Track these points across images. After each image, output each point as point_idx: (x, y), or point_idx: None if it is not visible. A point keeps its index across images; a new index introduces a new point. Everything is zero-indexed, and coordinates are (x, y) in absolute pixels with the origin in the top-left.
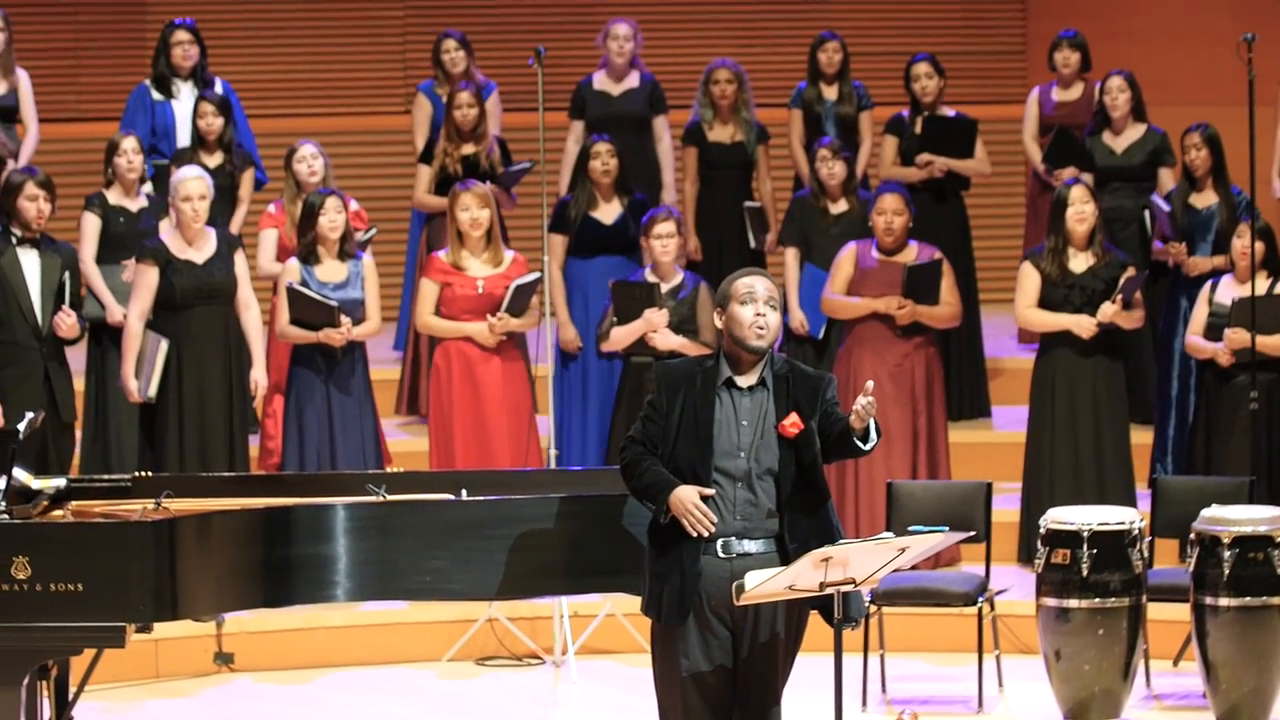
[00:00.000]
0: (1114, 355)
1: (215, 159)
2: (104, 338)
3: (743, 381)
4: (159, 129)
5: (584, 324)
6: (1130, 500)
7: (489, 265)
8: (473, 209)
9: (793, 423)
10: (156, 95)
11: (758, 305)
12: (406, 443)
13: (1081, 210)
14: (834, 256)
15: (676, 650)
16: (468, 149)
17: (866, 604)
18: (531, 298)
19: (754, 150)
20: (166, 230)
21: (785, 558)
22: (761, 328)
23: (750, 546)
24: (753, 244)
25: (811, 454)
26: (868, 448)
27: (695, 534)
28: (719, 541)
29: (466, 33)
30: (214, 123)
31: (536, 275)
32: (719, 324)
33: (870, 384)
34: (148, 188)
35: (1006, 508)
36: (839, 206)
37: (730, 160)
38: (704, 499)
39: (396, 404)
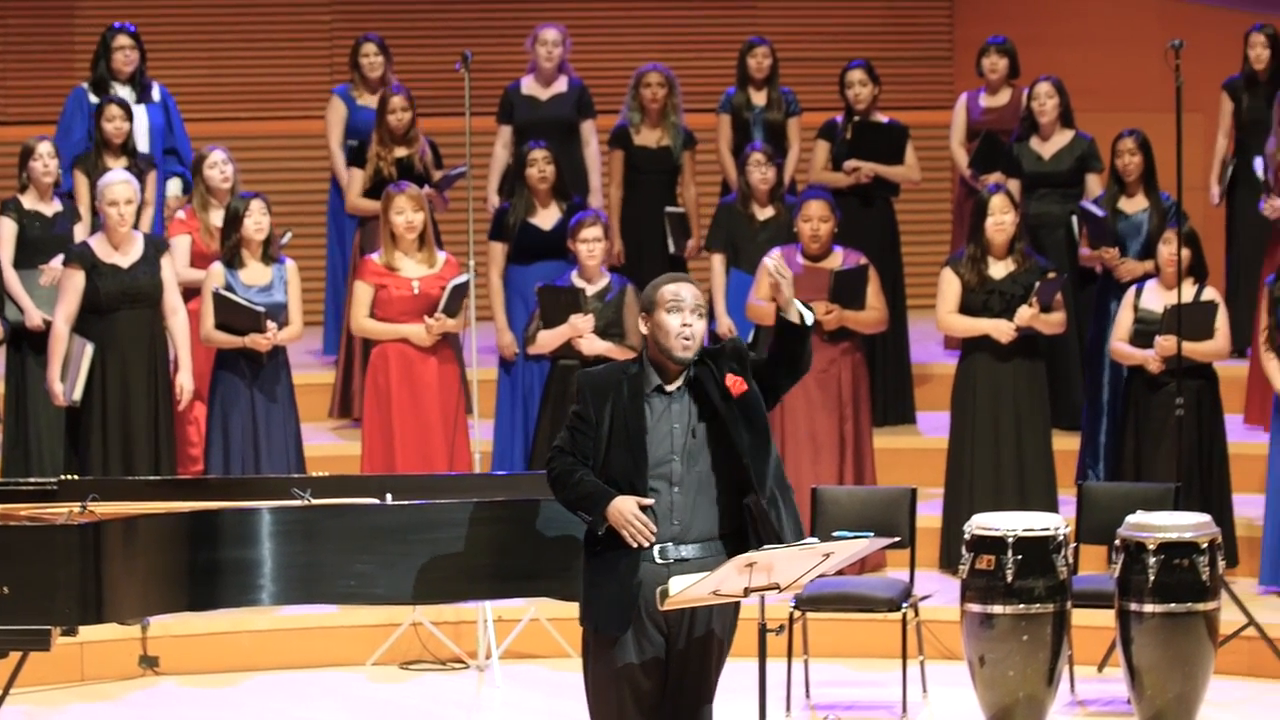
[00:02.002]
0: (1034, 359)
1: (120, 163)
2: (23, 342)
3: (670, 387)
4: (94, 132)
5: (522, 329)
6: (1052, 505)
7: (423, 266)
8: (407, 211)
9: (736, 381)
10: (94, 99)
11: (684, 314)
12: (339, 447)
13: (1000, 220)
14: (760, 262)
15: (612, 657)
16: (400, 152)
17: (791, 608)
18: (465, 298)
19: (680, 155)
20: (82, 231)
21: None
22: (688, 338)
23: (687, 551)
24: (672, 249)
25: (758, 414)
26: (810, 323)
27: (635, 545)
28: (656, 548)
29: (394, 37)
30: (121, 126)
31: (468, 277)
32: (644, 330)
33: (767, 260)
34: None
35: (931, 513)
36: (765, 212)
37: (656, 165)
38: (642, 508)
39: (330, 408)
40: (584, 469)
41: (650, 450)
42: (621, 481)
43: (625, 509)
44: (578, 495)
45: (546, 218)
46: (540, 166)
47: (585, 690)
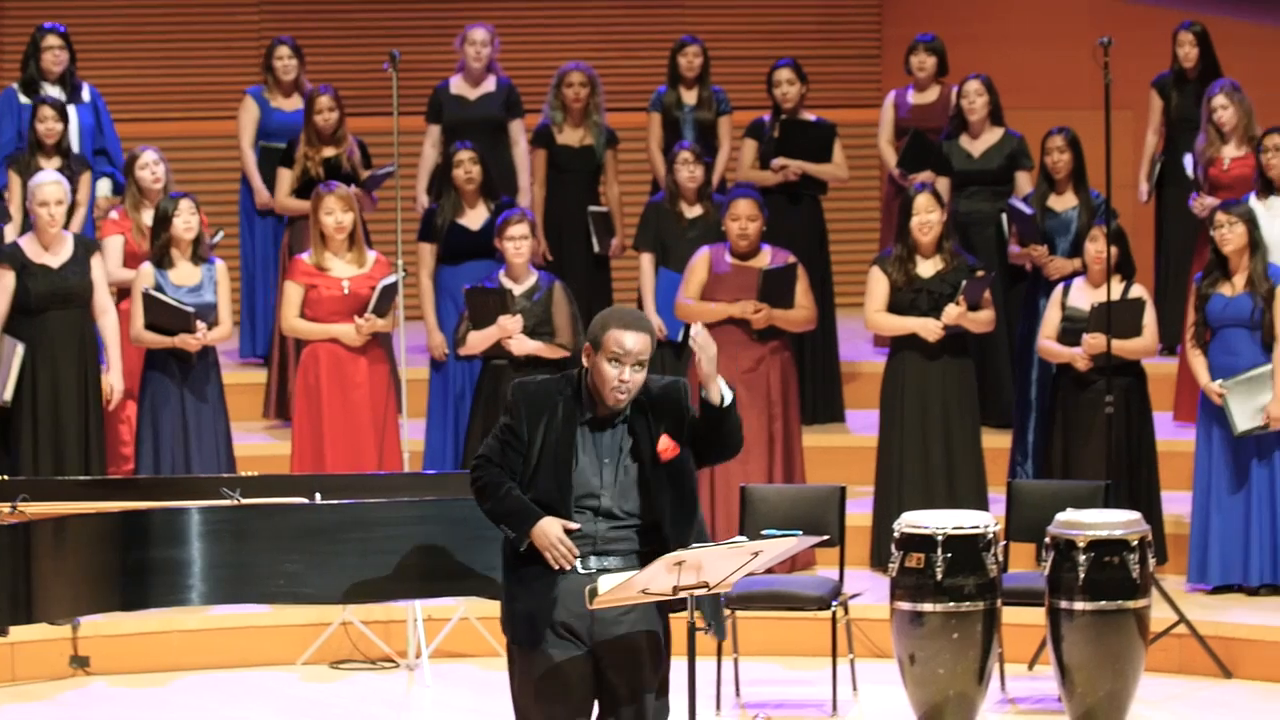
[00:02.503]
0: (963, 358)
1: (54, 163)
2: None
3: (603, 419)
4: (26, 133)
5: (452, 330)
6: (982, 503)
7: (353, 266)
8: (336, 212)
9: (666, 447)
10: (24, 99)
11: (624, 369)
12: (270, 446)
13: (925, 219)
14: (689, 261)
15: (532, 666)
16: (328, 152)
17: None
18: (394, 298)
19: (602, 154)
20: (13, 232)
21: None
22: (622, 393)
23: (611, 563)
24: (596, 248)
25: (686, 476)
26: (726, 406)
27: (556, 567)
28: (578, 559)
29: (321, 37)
30: (54, 127)
31: (397, 276)
32: (585, 361)
33: (694, 328)
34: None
35: (861, 511)
36: (694, 211)
37: (579, 164)
38: (568, 532)
39: (264, 408)
40: (511, 483)
41: (576, 481)
42: (546, 505)
43: (550, 532)
44: (504, 510)
45: (474, 218)
46: (466, 167)
47: (511, 696)
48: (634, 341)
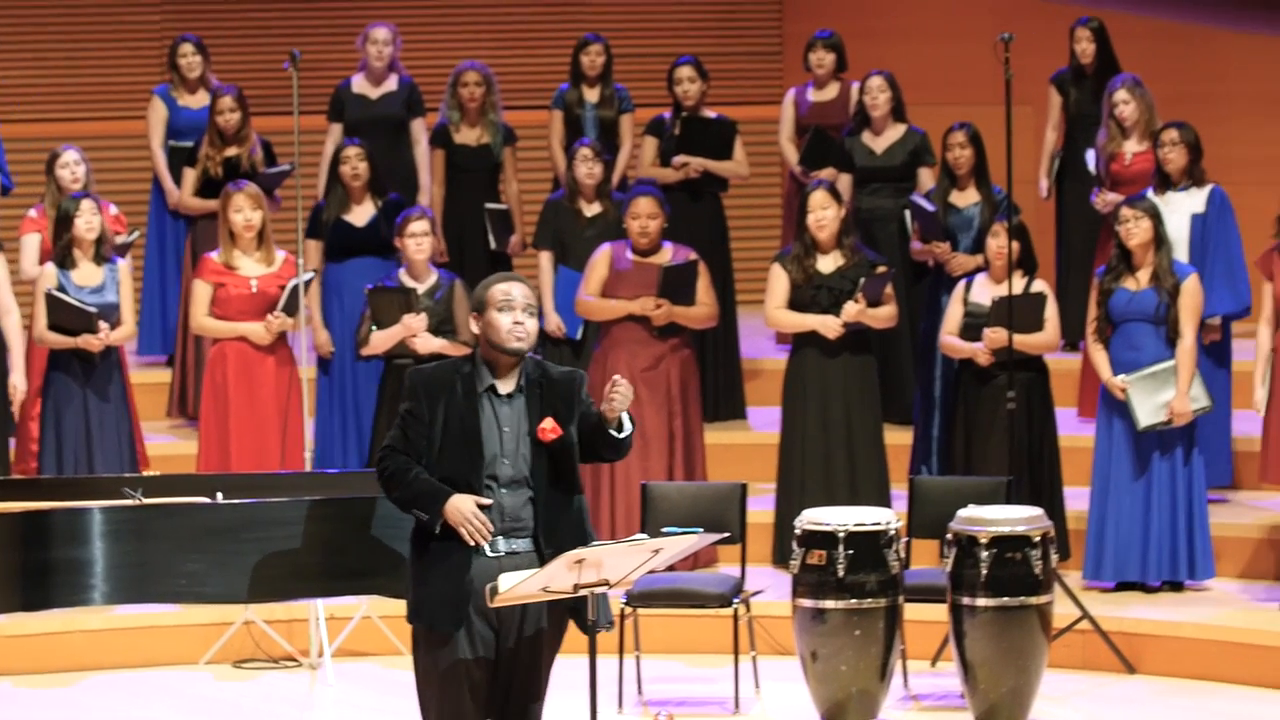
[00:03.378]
0: (863, 355)
1: None
2: None
3: (503, 388)
4: None
5: (340, 327)
6: (884, 500)
7: (261, 265)
8: (245, 210)
9: (551, 428)
10: None
11: (515, 313)
12: (175, 446)
13: (820, 216)
14: (589, 258)
15: (443, 653)
16: (230, 151)
17: (622, 604)
18: (302, 297)
19: (500, 152)
20: None
21: (542, 560)
22: (521, 335)
23: (517, 545)
24: (494, 245)
25: (568, 458)
26: (622, 436)
27: (473, 543)
28: (486, 544)
29: (222, 36)
30: None
31: (310, 275)
32: (475, 329)
33: (618, 377)
34: None
35: (763, 509)
36: (593, 208)
37: (477, 162)
38: (480, 507)
39: (168, 407)
40: (418, 467)
41: (485, 449)
42: (457, 480)
43: (464, 507)
44: (413, 494)
45: (360, 214)
46: (354, 164)
47: (417, 687)
48: (517, 288)
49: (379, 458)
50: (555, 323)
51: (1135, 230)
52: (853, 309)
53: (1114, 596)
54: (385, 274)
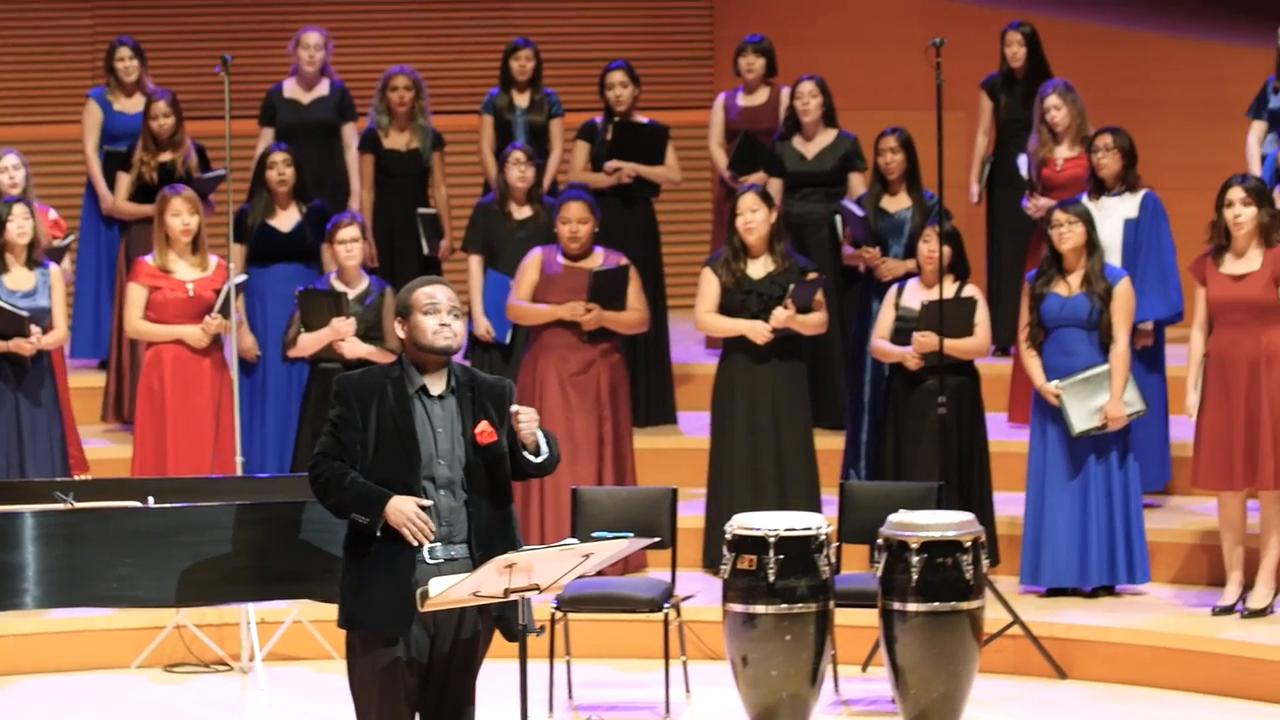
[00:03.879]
0: (794, 360)
1: None
2: None
3: (434, 389)
4: None
5: (262, 331)
6: (814, 505)
7: (196, 269)
8: (183, 214)
9: (487, 431)
10: None
11: (441, 315)
12: (110, 450)
13: (749, 219)
14: (519, 262)
15: (380, 656)
16: (165, 156)
17: (553, 609)
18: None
19: (429, 157)
20: None
21: (476, 566)
22: (448, 335)
23: (455, 551)
24: (426, 250)
25: (501, 465)
26: (540, 460)
27: (416, 543)
28: (425, 548)
29: (154, 40)
30: None
31: (244, 277)
32: (401, 334)
33: (515, 407)
34: None
35: (693, 514)
36: (523, 212)
37: (406, 167)
38: (421, 508)
39: (103, 411)
40: (354, 472)
41: (421, 450)
42: (393, 481)
43: (405, 508)
44: (351, 498)
45: (285, 220)
46: (280, 169)
47: (352, 692)
48: (442, 291)
49: (312, 464)
50: (484, 327)
51: (1068, 235)
52: (782, 315)
53: (1046, 601)
54: (307, 281)
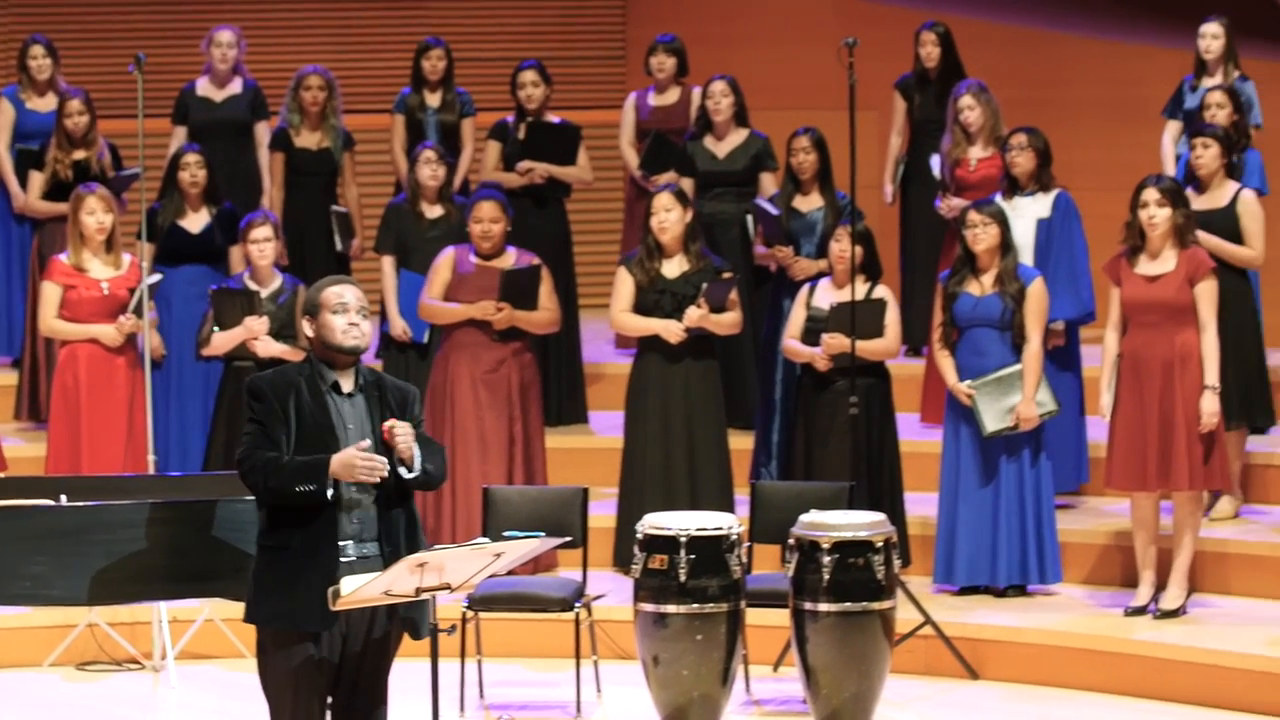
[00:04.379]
0: (707, 359)
1: None
2: None
3: (344, 386)
4: None
5: (168, 330)
6: (727, 504)
7: (110, 268)
8: (98, 212)
9: (391, 428)
10: None
11: (350, 315)
12: (23, 448)
13: (664, 218)
14: (431, 262)
15: (294, 653)
16: (79, 155)
17: (464, 608)
18: (152, 299)
19: (340, 156)
20: None
21: (387, 564)
22: (355, 335)
23: (367, 549)
24: (339, 248)
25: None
26: (410, 477)
27: (376, 480)
28: (340, 544)
29: (68, 38)
30: None
31: (159, 276)
32: (309, 332)
33: (390, 421)
34: None
35: (605, 513)
36: (435, 211)
37: (317, 166)
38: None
39: (16, 410)
40: (284, 453)
41: (339, 445)
42: None
43: (347, 458)
44: (291, 473)
45: (195, 221)
46: (192, 170)
47: (264, 691)
48: (350, 291)
49: (241, 458)
50: (401, 327)
51: (982, 235)
52: (695, 314)
53: (958, 602)
54: (215, 282)
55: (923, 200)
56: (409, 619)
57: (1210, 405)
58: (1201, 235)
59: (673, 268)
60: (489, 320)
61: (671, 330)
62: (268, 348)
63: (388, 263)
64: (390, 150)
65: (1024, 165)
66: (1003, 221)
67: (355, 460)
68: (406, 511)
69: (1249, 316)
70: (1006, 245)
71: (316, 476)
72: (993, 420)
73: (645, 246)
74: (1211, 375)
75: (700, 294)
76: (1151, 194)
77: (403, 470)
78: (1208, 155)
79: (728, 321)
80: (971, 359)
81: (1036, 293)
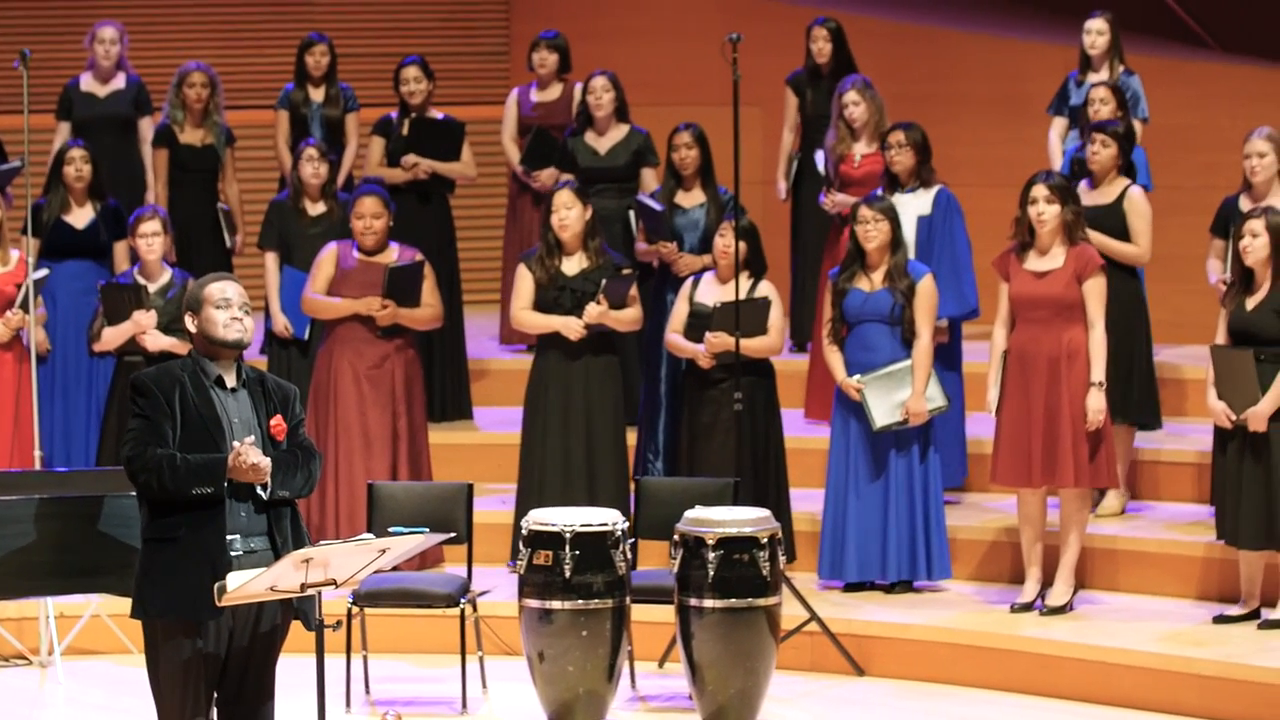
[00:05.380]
0: (606, 355)
1: None
2: None
3: (228, 381)
4: None
5: (53, 326)
6: (625, 500)
7: None
8: None
9: (279, 425)
10: None
11: (232, 310)
12: None
13: (564, 216)
14: (314, 258)
15: (183, 645)
16: None
17: (349, 604)
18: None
19: (223, 152)
20: None
21: (277, 558)
22: (238, 330)
23: (255, 543)
24: (229, 244)
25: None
26: (265, 496)
27: (264, 480)
28: (228, 538)
29: None
30: None
31: (46, 271)
32: (192, 328)
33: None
34: None
35: (491, 509)
36: (318, 208)
37: (200, 163)
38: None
39: None
40: (173, 451)
41: (225, 439)
42: None
43: (239, 461)
44: (186, 473)
45: (80, 217)
46: (78, 165)
47: (152, 684)
48: (232, 288)
49: (130, 456)
50: (283, 323)
51: (874, 232)
52: (594, 310)
53: (844, 598)
54: (100, 278)
55: (814, 196)
56: (300, 610)
57: (1096, 402)
58: (1090, 233)
59: (572, 265)
60: (372, 316)
61: (571, 327)
62: (157, 341)
63: (270, 259)
64: (274, 146)
65: (903, 163)
66: (894, 218)
67: (251, 459)
68: (292, 507)
69: (1137, 314)
70: (897, 242)
71: (213, 479)
72: (882, 415)
73: (545, 244)
74: (1098, 372)
75: (600, 290)
76: (1041, 190)
77: (259, 490)
78: (1105, 154)
79: (628, 318)
80: (861, 354)
81: (926, 289)
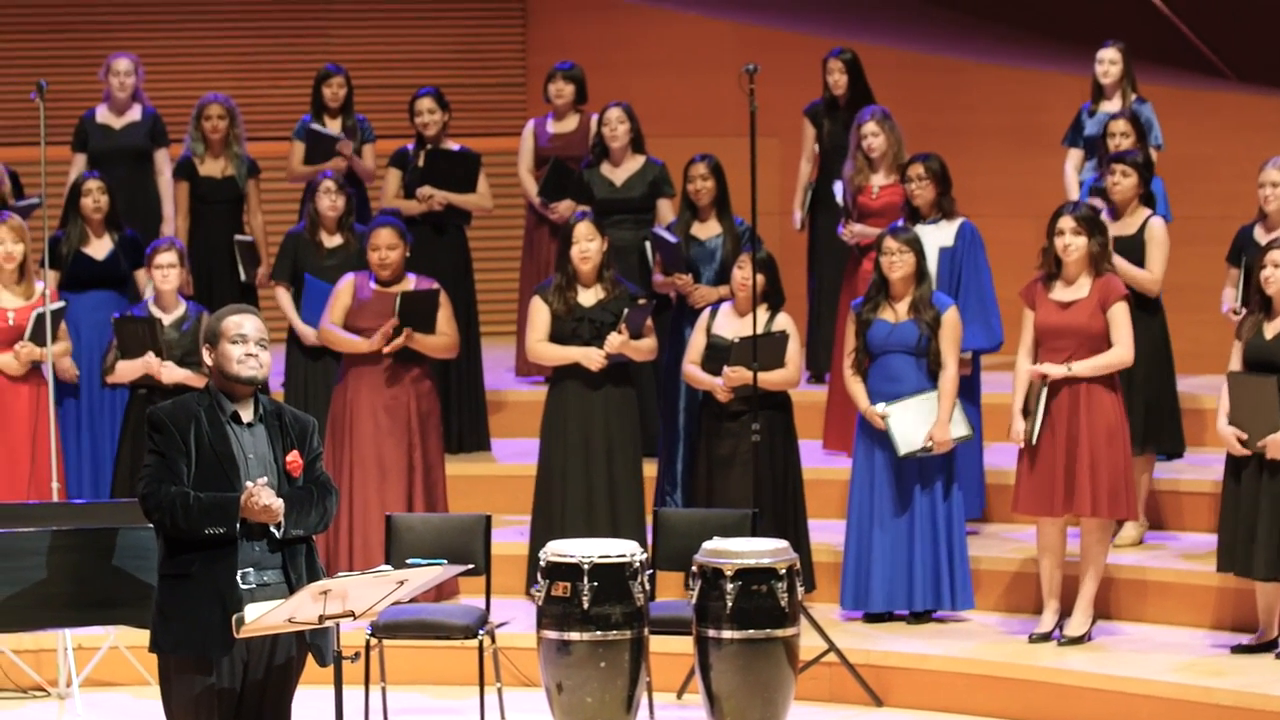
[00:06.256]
0: (624, 386)
1: None
2: None
3: (244, 416)
4: None
5: (77, 357)
6: (644, 531)
7: (20, 298)
8: (7, 242)
9: (295, 462)
10: None
11: (248, 345)
12: None
13: (585, 248)
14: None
15: (196, 680)
16: None
17: (367, 636)
18: (60, 325)
19: (244, 184)
20: None
21: (291, 591)
22: (253, 366)
23: (269, 577)
24: (243, 277)
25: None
26: (279, 535)
27: (278, 520)
28: (239, 572)
29: None
30: None
31: (62, 303)
32: (209, 361)
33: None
34: None
35: (509, 540)
36: (334, 240)
37: (221, 195)
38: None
39: None
40: (187, 489)
41: (240, 475)
42: None
43: (251, 502)
44: (200, 512)
45: (99, 248)
46: (95, 196)
47: (168, 718)
48: (251, 322)
49: (145, 494)
50: (310, 336)
51: (898, 263)
52: (615, 340)
53: (863, 629)
54: (120, 308)
55: (831, 227)
56: (314, 645)
57: (1054, 371)
58: (1116, 260)
59: (589, 296)
60: (383, 343)
61: (592, 358)
62: (172, 374)
63: (281, 292)
64: (289, 173)
65: (924, 195)
66: (918, 249)
67: (262, 501)
68: (308, 540)
69: (1160, 343)
70: (922, 273)
71: (226, 520)
72: (906, 442)
73: (564, 275)
74: (1083, 368)
75: (622, 319)
76: (1068, 222)
77: (273, 529)
78: (1126, 183)
79: (645, 348)
80: (885, 385)
81: (951, 320)
